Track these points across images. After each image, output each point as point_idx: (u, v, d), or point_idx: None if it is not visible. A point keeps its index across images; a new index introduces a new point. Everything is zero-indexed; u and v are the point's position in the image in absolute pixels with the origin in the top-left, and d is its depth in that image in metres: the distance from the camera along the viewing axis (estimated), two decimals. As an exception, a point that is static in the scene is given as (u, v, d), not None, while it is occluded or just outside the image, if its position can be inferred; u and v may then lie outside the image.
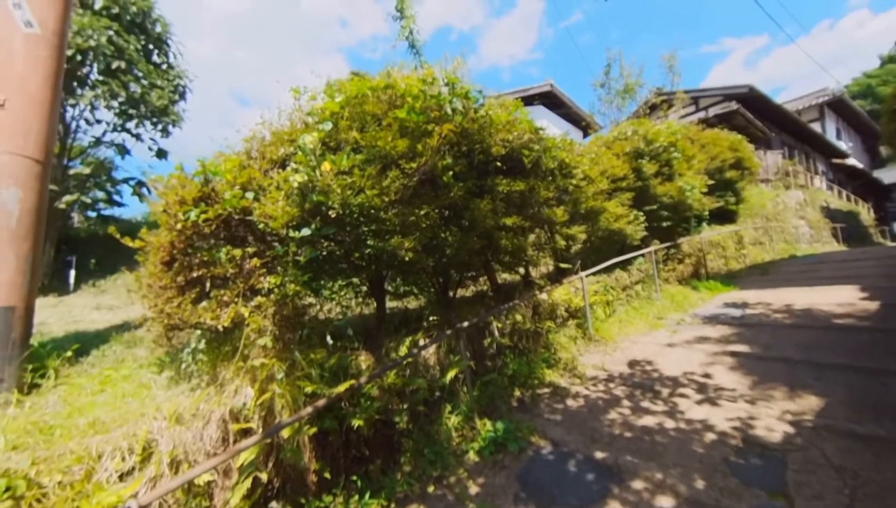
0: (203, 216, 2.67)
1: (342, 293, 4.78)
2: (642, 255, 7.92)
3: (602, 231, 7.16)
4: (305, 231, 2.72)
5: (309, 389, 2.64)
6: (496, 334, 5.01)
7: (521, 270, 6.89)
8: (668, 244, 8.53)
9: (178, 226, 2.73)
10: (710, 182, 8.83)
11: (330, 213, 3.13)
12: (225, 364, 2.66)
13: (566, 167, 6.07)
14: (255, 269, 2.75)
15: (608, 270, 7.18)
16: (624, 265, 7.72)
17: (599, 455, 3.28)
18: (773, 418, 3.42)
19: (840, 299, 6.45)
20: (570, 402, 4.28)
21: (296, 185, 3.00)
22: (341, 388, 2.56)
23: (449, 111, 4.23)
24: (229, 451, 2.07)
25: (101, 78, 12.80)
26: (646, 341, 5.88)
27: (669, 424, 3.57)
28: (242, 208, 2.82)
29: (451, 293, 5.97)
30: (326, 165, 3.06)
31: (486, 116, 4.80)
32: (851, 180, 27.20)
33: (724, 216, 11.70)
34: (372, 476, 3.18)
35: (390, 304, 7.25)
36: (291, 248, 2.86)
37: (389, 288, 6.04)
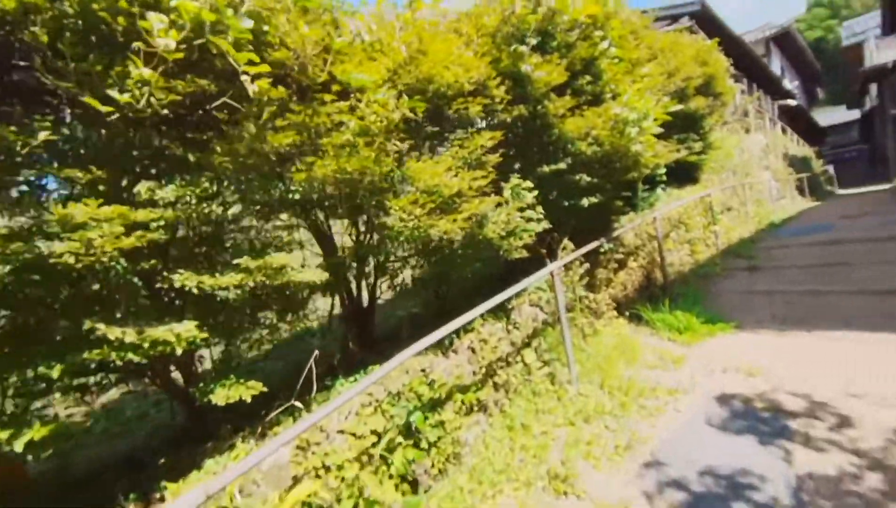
0: None
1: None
2: (523, 287, 3.46)
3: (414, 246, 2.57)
4: None
5: None
6: None
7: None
8: (591, 246, 4.09)
9: None
10: (675, 107, 4.33)
11: None
12: None
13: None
14: None
15: (449, 335, 2.65)
16: (496, 311, 3.24)
17: None
18: None
19: None
20: None
21: None
22: None
23: None
24: None
25: None
26: None
27: None
28: None
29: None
30: None
31: None
32: (793, 123, 24.77)
33: (682, 173, 7.57)
34: None
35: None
36: None
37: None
